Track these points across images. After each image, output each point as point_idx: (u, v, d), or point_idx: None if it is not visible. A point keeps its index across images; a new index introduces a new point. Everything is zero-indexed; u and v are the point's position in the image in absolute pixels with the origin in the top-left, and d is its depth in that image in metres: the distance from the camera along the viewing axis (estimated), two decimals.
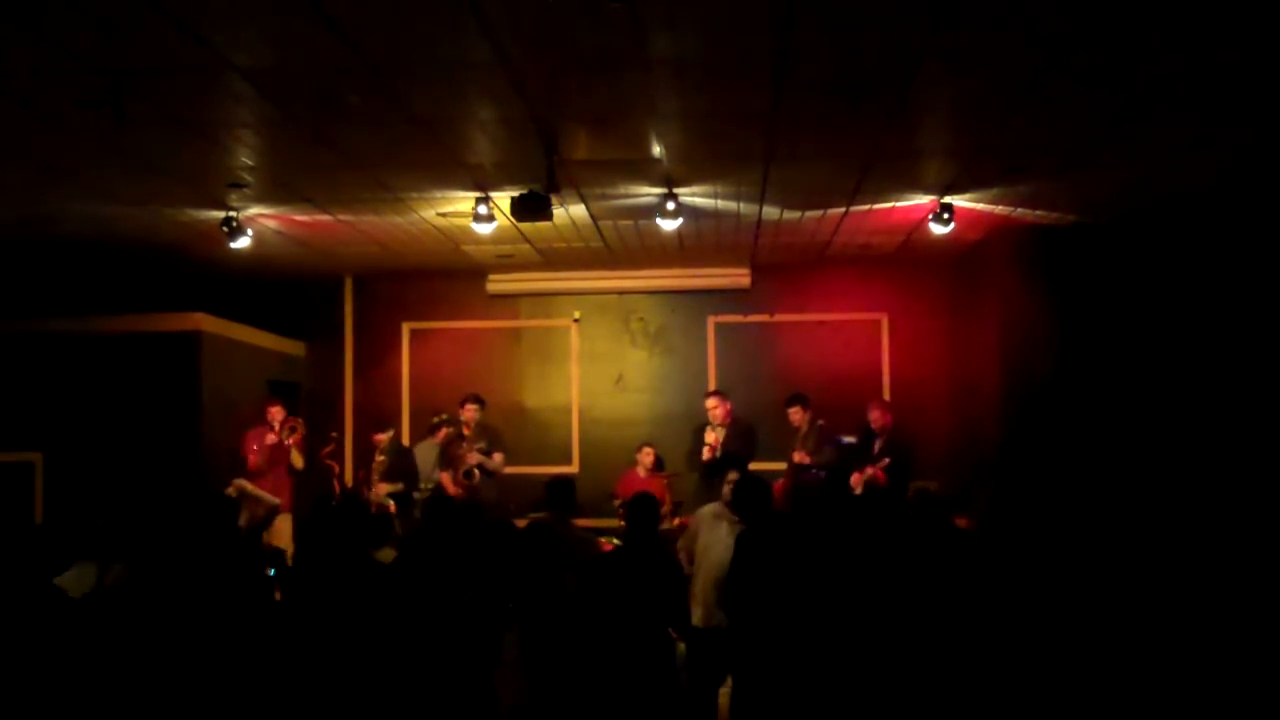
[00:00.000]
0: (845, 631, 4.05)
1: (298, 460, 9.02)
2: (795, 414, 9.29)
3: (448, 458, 9.17)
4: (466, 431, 9.14)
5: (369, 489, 9.01)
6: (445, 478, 9.04)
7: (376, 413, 10.19)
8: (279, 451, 8.97)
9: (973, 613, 3.96)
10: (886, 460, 8.91)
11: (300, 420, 9.19)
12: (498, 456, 9.15)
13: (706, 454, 9.08)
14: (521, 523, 8.46)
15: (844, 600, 4.15)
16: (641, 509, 5.32)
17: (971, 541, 4.90)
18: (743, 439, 9.03)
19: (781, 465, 9.21)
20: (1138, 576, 4.16)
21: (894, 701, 3.84)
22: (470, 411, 9.21)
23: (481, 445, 9.09)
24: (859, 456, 9.14)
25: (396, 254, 9.53)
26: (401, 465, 9.11)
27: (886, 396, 10.54)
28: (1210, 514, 7.12)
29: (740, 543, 5.22)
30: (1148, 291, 8.72)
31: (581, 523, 8.73)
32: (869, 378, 10.69)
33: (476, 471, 8.99)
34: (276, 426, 8.96)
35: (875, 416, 9.26)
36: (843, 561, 4.45)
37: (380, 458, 9.17)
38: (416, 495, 8.88)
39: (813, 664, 4.06)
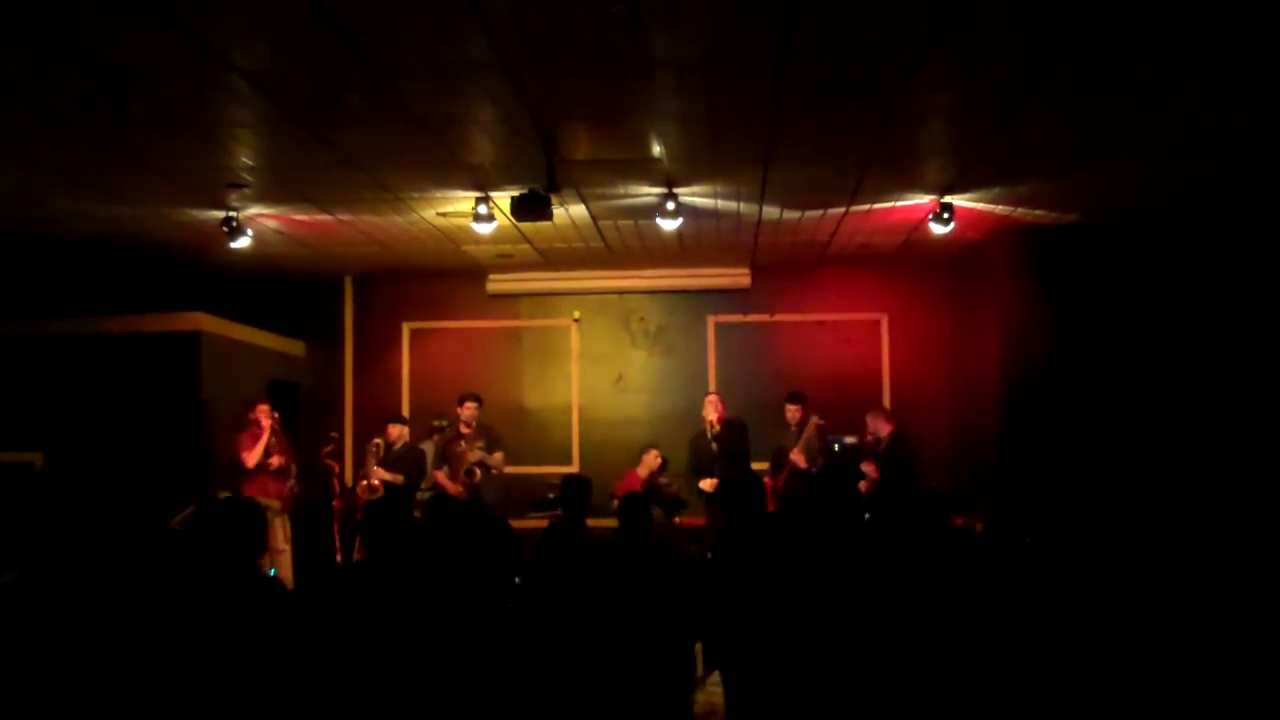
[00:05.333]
0: (839, 631, 4.04)
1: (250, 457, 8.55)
2: (794, 411, 9.28)
3: (444, 456, 9.17)
4: (467, 430, 9.14)
5: (365, 475, 9.00)
6: (441, 476, 9.03)
7: (377, 413, 10.19)
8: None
9: (971, 614, 3.97)
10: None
11: (267, 414, 8.68)
12: (498, 455, 9.15)
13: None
14: (524, 523, 8.59)
15: (835, 600, 4.14)
16: (632, 509, 5.27)
17: (971, 541, 4.88)
18: (739, 434, 9.00)
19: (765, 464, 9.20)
20: (1137, 576, 4.16)
21: (894, 701, 3.84)
22: (469, 410, 9.20)
23: (481, 444, 9.09)
24: (857, 459, 9.14)
25: (396, 254, 9.54)
26: (411, 461, 9.10)
27: (886, 396, 10.56)
28: (1211, 512, 7.12)
29: (722, 541, 5.18)
30: (1147, 291, 8.72)
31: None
32: (869, 378, 10.70)
33: (478, 470, 8.99)
34: (265, 421, 8.68)
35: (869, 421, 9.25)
36: (835, 562, 4.42)
37: (377, 440, 9.15)
38: (419, 495, 8.89)
39: (808, 662, 4.05)
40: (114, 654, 3.49)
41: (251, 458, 8.52)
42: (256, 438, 8.59)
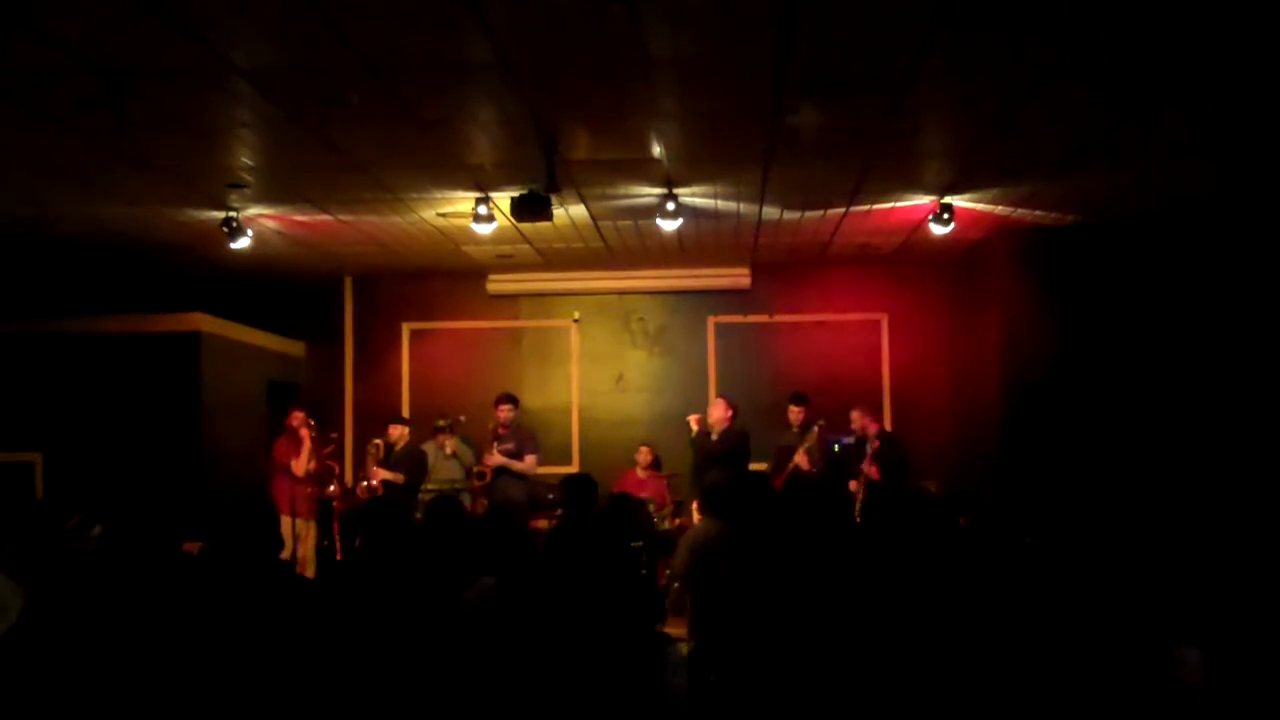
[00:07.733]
0: (835, 634, 4.03)
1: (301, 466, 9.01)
2: (797, 413, 9.27)
3: (476, 450, 9.28)
4: (503, 431, 9.14)
5: (365, 475, 9.03)
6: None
7: (377, 413, 10.19)
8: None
9: (970, 614, 3.96)
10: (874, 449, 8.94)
11: (303, 422, 9.12)
12: (529, 460, 9.11)
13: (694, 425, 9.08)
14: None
15: (833, 601, 4.13)
16: (614, 509, 5.22)
17: (971, 540, 4.88)
18: (737, 441, 8.99)
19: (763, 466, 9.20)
20: (1138, 575, 4.17)
21: (888, 702, 3.84)
22: (504, 411, 9.18)
23: (509, 447, 9.06)
24: (855, 459, 9.14)
25: (396, 254, 9.54)
26: (412, 461, 9.12)
27: (886, 396, 10.57)
28: (1210, 512, 7.13)
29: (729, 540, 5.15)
30: (1147, 291, 8.72)
31: None
32: (869, 378, 10.70)
33: (488, 471, 8.99)
34: (303, 431, 8.96)
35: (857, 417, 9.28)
36: (832, 562, 4.41)
37: (377, 441, 9.17)
38: (422, 495, 8.89)
39: (800, 666, 4.04)
40: (141, 655, 3.48)
41: (299, 466, 8.86)
42: (298, 445, 8.78)
